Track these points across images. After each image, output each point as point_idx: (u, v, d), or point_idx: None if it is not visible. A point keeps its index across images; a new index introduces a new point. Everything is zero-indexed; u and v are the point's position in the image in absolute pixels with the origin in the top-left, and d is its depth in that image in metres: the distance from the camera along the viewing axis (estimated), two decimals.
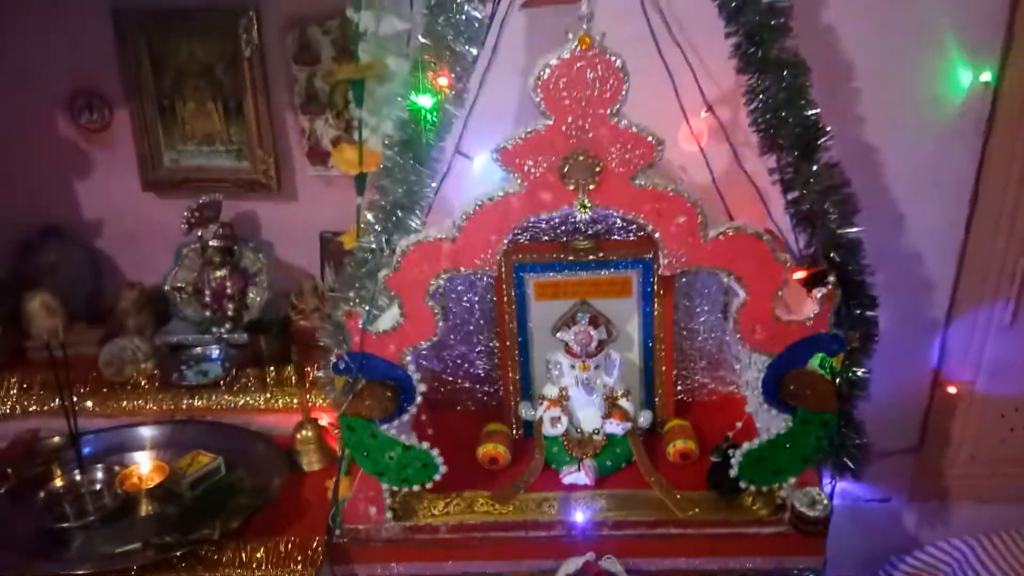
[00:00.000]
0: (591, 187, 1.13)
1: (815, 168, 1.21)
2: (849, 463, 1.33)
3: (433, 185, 1.26)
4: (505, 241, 1.19)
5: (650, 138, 1.11)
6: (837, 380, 1.27)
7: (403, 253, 1.18)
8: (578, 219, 1.16)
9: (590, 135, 1.11)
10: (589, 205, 1.14)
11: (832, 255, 1.22)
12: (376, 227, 1.23)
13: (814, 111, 1.20)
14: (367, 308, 1.24)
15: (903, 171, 1.58)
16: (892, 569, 1.77)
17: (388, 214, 1.23)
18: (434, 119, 1.20)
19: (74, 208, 1.97)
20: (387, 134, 1.25)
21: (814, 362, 1.27)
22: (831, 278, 1.19)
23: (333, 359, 1.26)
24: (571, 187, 1.13)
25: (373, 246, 1.24)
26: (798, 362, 1.24)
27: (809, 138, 1.20)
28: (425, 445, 1.31)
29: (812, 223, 1.23)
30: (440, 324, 1.23)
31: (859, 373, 1.29)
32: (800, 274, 1.20)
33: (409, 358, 1.26)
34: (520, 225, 1.19)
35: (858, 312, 1.25)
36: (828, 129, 1.21)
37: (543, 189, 1.14)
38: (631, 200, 1.14)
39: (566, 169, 1.12)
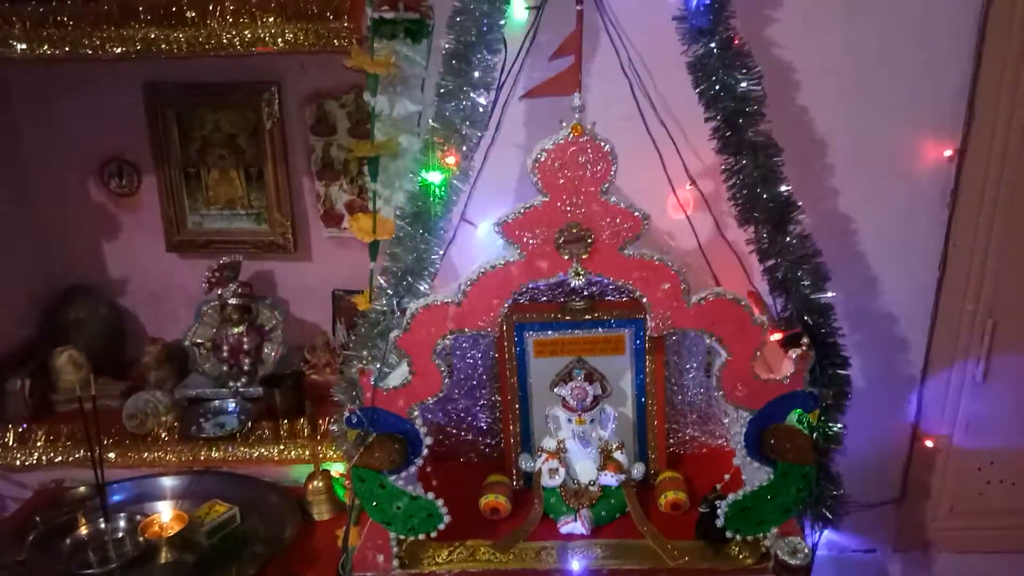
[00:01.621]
0: (584, 256, 1.24)
1: (788, 239, 1.31)
2: (828, 513, 1.40)
3: (440, 252, 1.37)
4: (506, 304, 1.29)
5: (637, 213, 1.22)
6: (814, 435, 1.35)
7: (413, 315, 1.28)
8: (573, 285, 1.26)
9: (582, 211, 1.22)
10: (582, 272, 1.25)
11: (806, 318, 1.32)
12: (388, 291, 1.33)
13: (786, 188, 1.32)
14: (378, 366, 1.34)
15: (875, 239, 1.69)
16: None
17: (399, 279, 1.34)
18: (442, 193, 1.32)
19: (101, 267, 2.07)
20: (399, 206, 1.37)
21: (792, 417, 1.35)
22: (805, 340, 1.29)
23: (346, 413, 1.35)
24: (566, 256, 1.24)
25: (385, 308, 1.34)
26: (777, 417, 1.32)
27: (782, 212, 1.32)
28: (430, 495, 1.38)
29: (787, 289, 1.33)
30: (446, 381, 1.33)
31: (835, 428, 1.37)
32: (776, 336, 1.30)
33: (417, 413, 1.35)
34: (520, 289, 1.29)
35: (831, 371, 1.34)
36: (799, 204, 1.33)
37: (540, 258, 1.25)
38: (620, 268, 1.25)
39: (561, 240, 1.24)
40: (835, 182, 1.64)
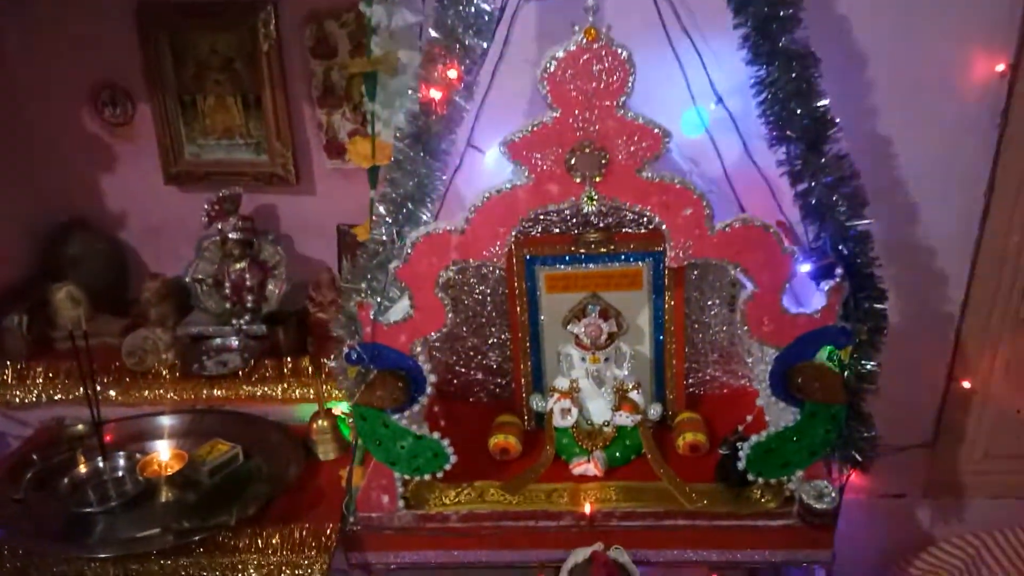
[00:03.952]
0: (597, 179, 1.14)
1: (824, 160, 1.20)
2: (858, 456, 1.32)
3: (444, 178, 1.28)
4: (513, 233, 1.20)
5: (656, 130, 1.12)
6: (845, 373, 1.27)
7: (413, 245, 1.20)
8: (586, 212, 1.16)
9: (596, 127, 1.12)
10: (595, 197, 1.15)
11: (841, 247, 1.22)
12: (387, 219, 1.25)
13: (823, 103, 1.20)
14: (378, 299, 1.26)
15: (916, 163, 1.56)
16: (906, 565, 1.76)
17: (399, 206, 1.25)
18: (444, 112, 1.21)
19: (98, 201, 2.01)
20: (398, 127, 1.27)
21: (822, 355, 1.27)
22: (839, 271, 1.19)
23: (345, 349, 1.28)
24: (578, 179, 1.14)
25: (384, 238, 1.26)
26: (806, 355, 1.24)
27: (818, 130, 1.20)
28: (436, 435, 1.33)
29: (821, 215, 1.23)
30: (450, 315, 1.25)
31: (868, 366, 1.28)
32: (807, 266, 1.20)
33: (420, 349, 1.28)
34: (530, 217, 1.20)
35: (867, 305, 1.24)
36: (837, 121, 1.21)
37: (550, 181, 1.16)
38: (637, 192, 1.15)
39: (572, 161, 1.13)
40: (874, 99, 1.51)
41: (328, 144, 1.88)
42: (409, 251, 1.20)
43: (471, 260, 1.22)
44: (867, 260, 1.23)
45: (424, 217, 1.27)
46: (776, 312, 1.20)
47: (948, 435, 1.77)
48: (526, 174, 1.16)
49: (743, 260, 1.18)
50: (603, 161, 1.13)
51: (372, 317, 1.25)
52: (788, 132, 1.21)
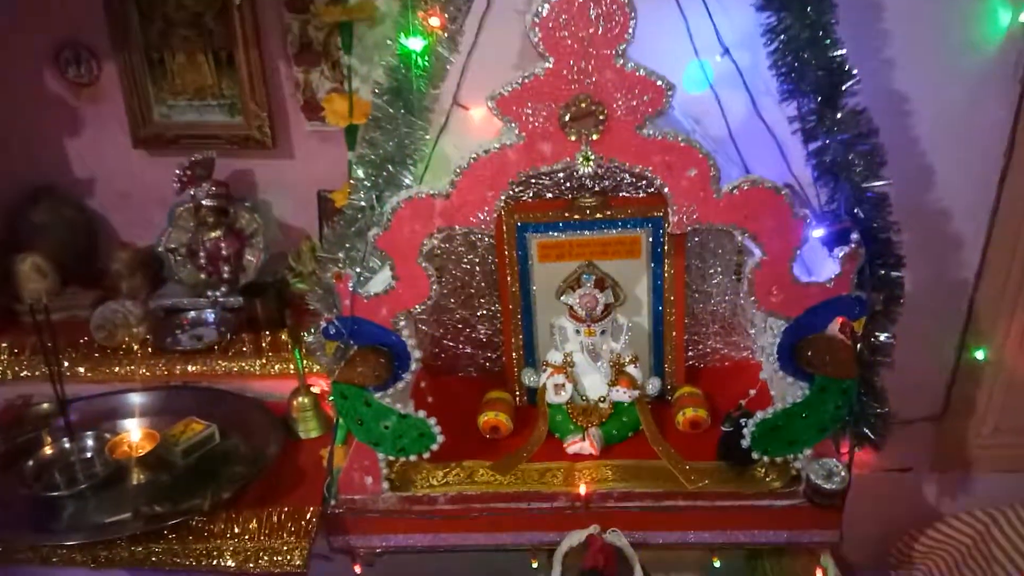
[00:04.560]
0: (594, 137, 1.05)
1: (840, 116, 1.11)
2: (869, 433, 1.25)
3: (427, 138, 1.18)
4: (503, 197, 1.11)
5: (659, 82, 1.02)
6: (858, 345, 1.19)
7: (393, 210, 1.11)
8: (582, 173, 1.07)
9: (593, 79, 1.02)
10: (592, 157, 1.06)
11: (856, 211, 1.13)
12: (366, 183, 1.16)
13: (840, 52, 1.10)
14: (357, 270, 1.17)
15: (933, 121, 1.47)
16: (912, 541, 1.71)
17: (378, 169, 1.16)
18: (425, 64, 1.11)
19: (64, 166, 1.91)
20: (376, 82, 1.16)
21: (834, 326, 1.19)
22: (854, 236, 1.10)
23: (323, 324, 1.20)
24: (573, 137, 1.05)
25: (363, 204, 1.16)
26: (817, 326, 1.17)
27: (834, 82, 1.11)
28: (422, 414, 1.26)
29: (835, 176, 1.14)
30: (435, 287, 1.17)
31: (882, 338, 1.21)
32: (821, 232, 1.11)
33: (403, 323, 1.20)
34: (520, 180, 1.11)
35: (883, 273, 1.17)
36: (855, 72, 1.11)
37: (543, 140, 1.07)
38: (638, 151, 1.06)
39: (567, 117, 1.04)
40: (890, 52, 1.41)
41: (306, 104, 1.78)
42: (389, 217, 1.11)
43: (457, 227, 1.13)
44: (885, 224, 1.15)
45: (406, 181, 1.18)
46: (786, 281, 1.12)
47: (958, 408, 1.71)
48: (516, 132, 1.06)
49: (752, 225, 1.09)
50: (600, 117, 1.04)
51: (351, 289, 1.17)
52: (801, 85, 1.11)
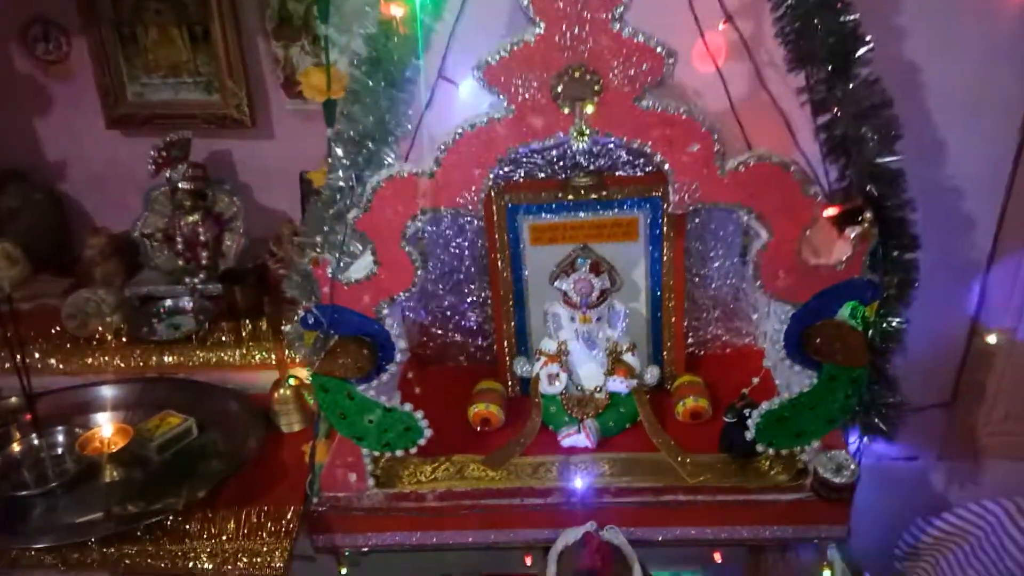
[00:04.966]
0: (589, 110, 0.98)
1: (852, 86, 1.03)
2: (880, 424, 1.19)
3: (410, 113, 1.10)
4: (491, 176, 1.04)
5: (659, 49, 0.95)
6: (870, 332, 1.12)
7: (374, 191, 1.04)
8: (576, 149, 1.00)
9: (588, 46, 0.95)
10: (587, 131, 0.99)
11: (869, 188, 1.06)
12: (344, 161, 1.07)
13: (852, 16, 1.02)
14: (337, 255, 1.10)
15: (945, 93, 1.40)
16: (918, 532, 1.65)
17: (358, 146, 1.08)
18: (408, 32, 1.03)
19: (35, 148, 1.85)
20: (355, 52, 1.08)
21: (844, 311, 1.13)
22: (867, 215, 1.03)
23: (301, 312, 1.13)
24: (566, 110, 0.98)
25: (341, 184, 1.08)
26: (826, 312, 1.11)
27: (846, 50, 1.03)
28: (408, 407, 1.20)
29: (847, 151, 1.06)
30: (420, 272, 1.11)
31: (894, 323, 1.14)
32: (832, 211, 1.04)
33: (386, 311, 1.13)
34: (509, 157, 1.04)
35: (896, 254, 1.10)
36: (869, 39, 1.03)
37: (534, 113, 0.99)
38: (636, 125, 0.99)
39: (560, 88, 0.97)
40: (900, 20, 1.33)
41: (286, 82, 1.72)
42: (370, 198, 1.04)
43: (443, 208, 1.06)
44: (899, 202, 1.07)
45: (388, 159, 1.10)
46: (794, 264, 1.06)
47: (967, 395, 1.66)
48: (505, 105, 0.99)
49: (758, 204, 1.02)
50: (595, 88, 0.96)
51: (330, 275, 1.09)
52: (810, 53, 1.03)
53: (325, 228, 1.11)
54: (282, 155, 1.76)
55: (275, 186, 1.80)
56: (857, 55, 1.03)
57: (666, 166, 1.01)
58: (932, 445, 1.72)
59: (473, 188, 1.04)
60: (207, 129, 1.75)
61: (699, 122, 0.98)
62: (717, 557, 1.36)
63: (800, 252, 1.05)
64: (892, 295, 1.12)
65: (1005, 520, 1.53)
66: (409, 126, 1.12)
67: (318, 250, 1.11)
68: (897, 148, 1.06)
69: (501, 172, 1.30)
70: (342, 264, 1.10)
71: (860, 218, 1.04)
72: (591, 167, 1.31)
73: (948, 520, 1.62)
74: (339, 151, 1.09)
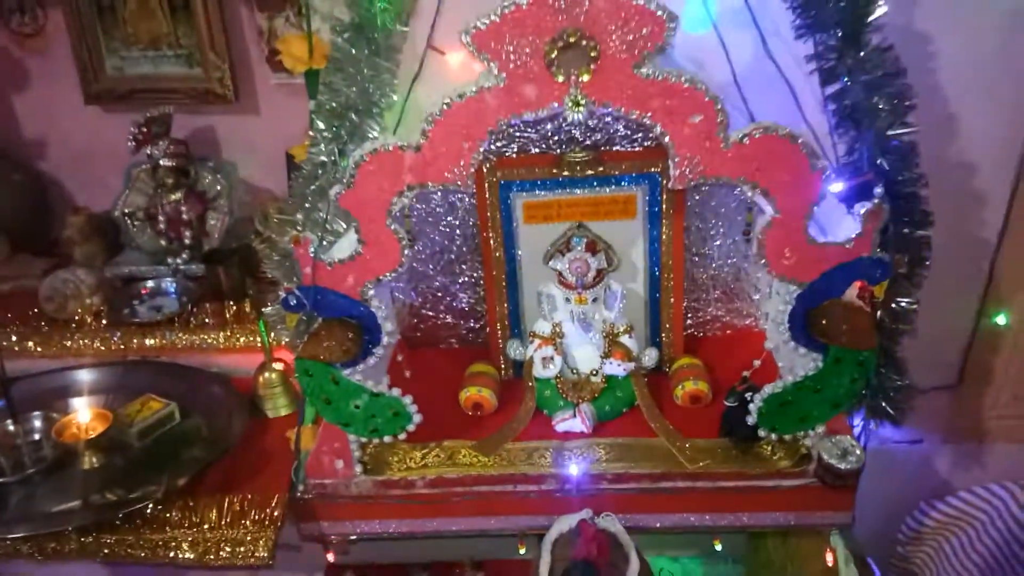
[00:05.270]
0: (585, 78, 0.92)
1: (863, 53, 0.98)
2: (888, 408, 1.14)
3: (396, 82, 1.05)
4: (481, 149, 0.98)
5: (660, 12, 0.89)
6: (879, 313, 1.08)
7: (356, 165, 0.98)
8: (571, 121, 0.94)
9: (584, 9, 0.89)
10: (583, 101, 0.93)
11: (880, 162, 1.01)
12: (326, 134, 1.02)
13: None
14: (319, 233, 1.04)
15: (957, 64, 1.34)
16: (922, 516, 1.62)
17: (340, 118, 1.02)
18: None
19: (12, 125, 1.79)
20: (336, 18, 1.02)
21: (851, 292, 1.08)
22: (878, 190, 0.98)
23: (282, 294, 1.08)
24: (560, 78, 0.92)
25: (323, 158, 1.03)
26: (833, 292, 1.06)
27: (857, 14, 0.97)
28: (396, 392, 1.15)
29: (857, 122, 1.01)
30: (407, 252, 1.05)
31: (903, 304, 1.09)
32: (840, 186, 0.99)
33: (372, 292, 1.08)
34: (501, 129, 0.98)
35: (907, 232, 1.04)
36: (881, 2, 0.98)
37: (526, 81, 0.93)
38: (635, 94, 0.93)
39: (554, 55, 0.91)
40: None
41: (271, 55, 1.66)
42: (353, 173, 0.98)
43: (430, 184, 1.00)
44: (912, 177, 1.02)
45: (372, 132, 1.04)
46: (801, 242, 1.01)
47: (974, 376, 1.61)
48: (496, 73, 0.93)
49: (764, 179, 0.97)
50: (592, 54, 0.90)
51: (312, 255, 1.04)
52: (820, 17, 0.97)
53: (307, 205, 1.06)
54: (268, 131, 1.70)
55: (261, 164, 1.74)
56: (869, 20, 0.98)
57: (666, 138, 0.95)
58: (937, 428, 1.68)
59: (462, 163, 0.98)
60: (189, 104, 1.69)
61: (701, 91, 0.93)
62: (717, 545, 1.32)
63: (807, 229, 0.99)
64: (903, 274, 1.07)
65: (1012, 504, 1.50)
66: (395, 97, 1.07)
67: (299, 228, 1.06)
68: (910, 119, 1.01)
69: (493, 147, 1.25)
70: (325, 243, 1.05)
71: (871, 193, 0.98)
72: (587, 142, 1.26)
73: (952, 504, 1.59)
74: (320, 124, 1.04)
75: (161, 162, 1.63)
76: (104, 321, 1.57)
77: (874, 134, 1.00)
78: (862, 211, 0.99)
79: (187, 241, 1.68)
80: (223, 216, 1.70)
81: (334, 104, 1.02)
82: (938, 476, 1.74)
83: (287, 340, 1.18)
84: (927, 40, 1.31)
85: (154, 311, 1.60)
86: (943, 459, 1.73)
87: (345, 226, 1.05)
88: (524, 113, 0.95)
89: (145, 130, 1.61)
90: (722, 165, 0.96)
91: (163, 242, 1.69)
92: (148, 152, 1.63)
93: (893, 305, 1.09)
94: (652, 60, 0.92)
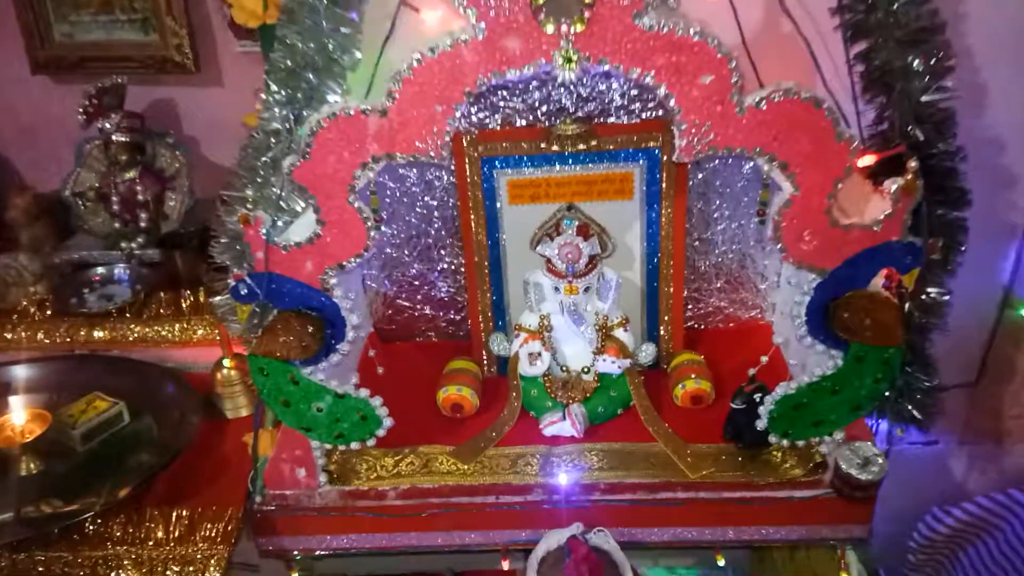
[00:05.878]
0: (578, 29, 0.79)
1: (896, 5, 0.85)
2: (914, 411, 1.03)
3: (360, 37, 0.91)
4: (457, 114, 0.86)
5: None
6: (907, 305, 0.96)
7: (312, 132, 0.86)
8: (561, 81, 0.82)
9: None
10: (575, 57, 0.80)
11: (913, 131, 0.88)
12: (279, 96, 0.89)
13: None
14: (272, 213, 0.91)
15: (989, 27, 1.23)
16: (936, 523, 1.53)
17: (296, 78, 0.89)
18: None
19: None
20: None
21: (876, 282, 0.97)
22: (912, 164, 0.86)
23: (232, 282, 0.96)
24: (549, 29, 0.79)
25: (276, 125, 0.90)
26: (857, 281, 0.96)
27: None
28: (364, 393, 1.04)
29: (888, 86, 0.89)
30: (373, 234, 0.94)
31: (934, 295, 0.98)
32: (869, 159, 0.87)
33: (334, 280, 0.97)
34: (480, 92, 0.86)
35: (942, 213, 0.93)
36: None
37: (510, 34, 0.81)
38: (635, 48, 0.81)
39: (542, 1, 0.78)
40: None
41: (233, 20, 1.50)
42: (309, 142, 0.86)
43: (399, 155, 0.88)
44: (949, 149, 0.90)
45: (334, 96, 0.91)
46: (823, 224, 0.89)
47: (995, 374, 1.54)
48: (474, 23, 0.80)
49: (783, 151, 0.85)
50: (586, 1, 0.77)
51: (265, 237, 0.91)
52: None
53: (258, 180, 0.94)
54: (232, 104, 1.57)
55: (224, 139, 1.60)
56: None
57: (671, 102, 0.83)
58: (954, 428, 1.60)
59: (435, 129, 0.86)
60: (146, 74, 1.57)
61: (713, 47, 0.80)
62: (720, 561, 1.21)
63: (830, 209, 0.87)
64: (935, 260, 0.95)
65: None
66: (359, 55, 0.94)
67: (249, 206, 0.93)
68: (949, 81, 0.89)
69: (474, 118, 1.13)
70: (279, 224, 0.92)
71: (903, 168, 0.87)
72: (579, 113, 1.14)
73: (969, 510, 1.50)
74: (273, 85, 0.91)
75: (114, 137, 1.51)
76: (49, 311, 1.45)
77: (908, 99, 0.88)
78: (893, 188, 0.87)
79: (143, 224, 1.56)
80: (182, 196, 1.57)
81: (288, 62, 0.89)
82: (953, 479, 1.66)
83: (238, 334, 1.05)
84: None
85: (105, 300, 1.48)
86: (959, 461, 1.65)
87: (302, 204, 0.93)
88: (507, 71, 0.83)
89: (96, 102, 1.48)
90: (735, 134, 0.85)
91: (116, 224, 1.57)
92: (100, 126, 1.50)
93: (923, 296, 0.98)
94: (655, 9, 0.79)
